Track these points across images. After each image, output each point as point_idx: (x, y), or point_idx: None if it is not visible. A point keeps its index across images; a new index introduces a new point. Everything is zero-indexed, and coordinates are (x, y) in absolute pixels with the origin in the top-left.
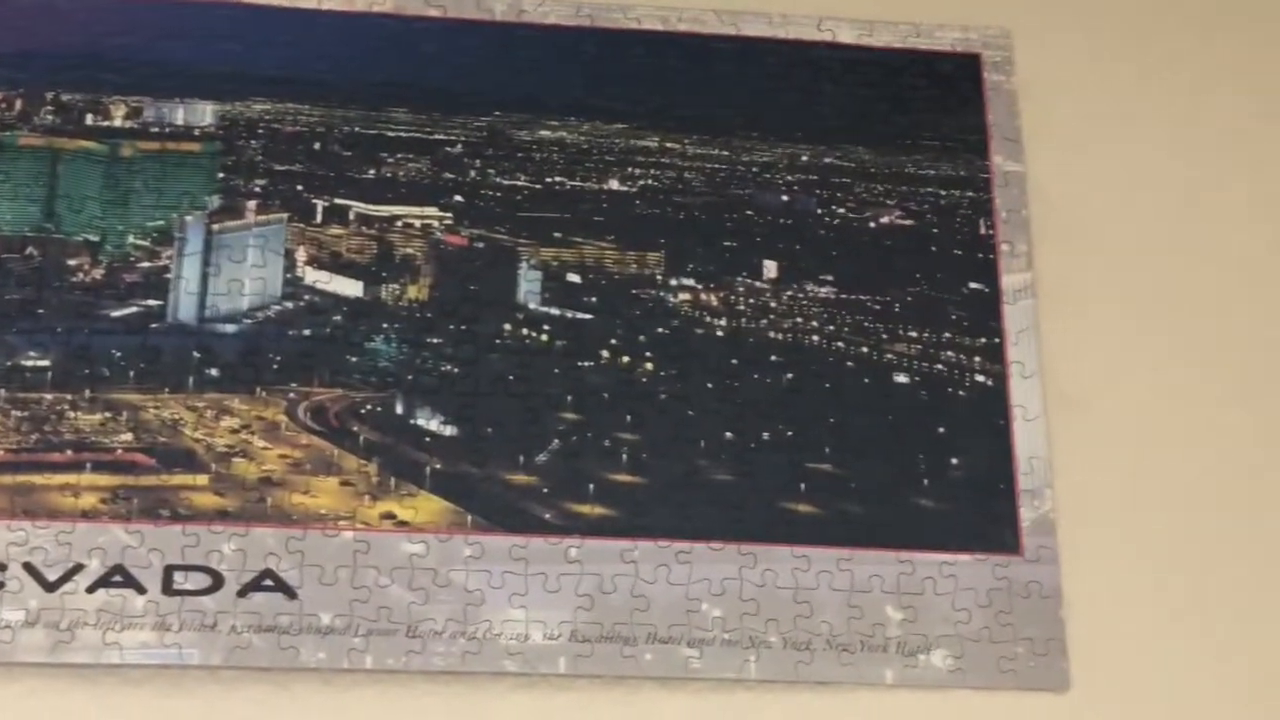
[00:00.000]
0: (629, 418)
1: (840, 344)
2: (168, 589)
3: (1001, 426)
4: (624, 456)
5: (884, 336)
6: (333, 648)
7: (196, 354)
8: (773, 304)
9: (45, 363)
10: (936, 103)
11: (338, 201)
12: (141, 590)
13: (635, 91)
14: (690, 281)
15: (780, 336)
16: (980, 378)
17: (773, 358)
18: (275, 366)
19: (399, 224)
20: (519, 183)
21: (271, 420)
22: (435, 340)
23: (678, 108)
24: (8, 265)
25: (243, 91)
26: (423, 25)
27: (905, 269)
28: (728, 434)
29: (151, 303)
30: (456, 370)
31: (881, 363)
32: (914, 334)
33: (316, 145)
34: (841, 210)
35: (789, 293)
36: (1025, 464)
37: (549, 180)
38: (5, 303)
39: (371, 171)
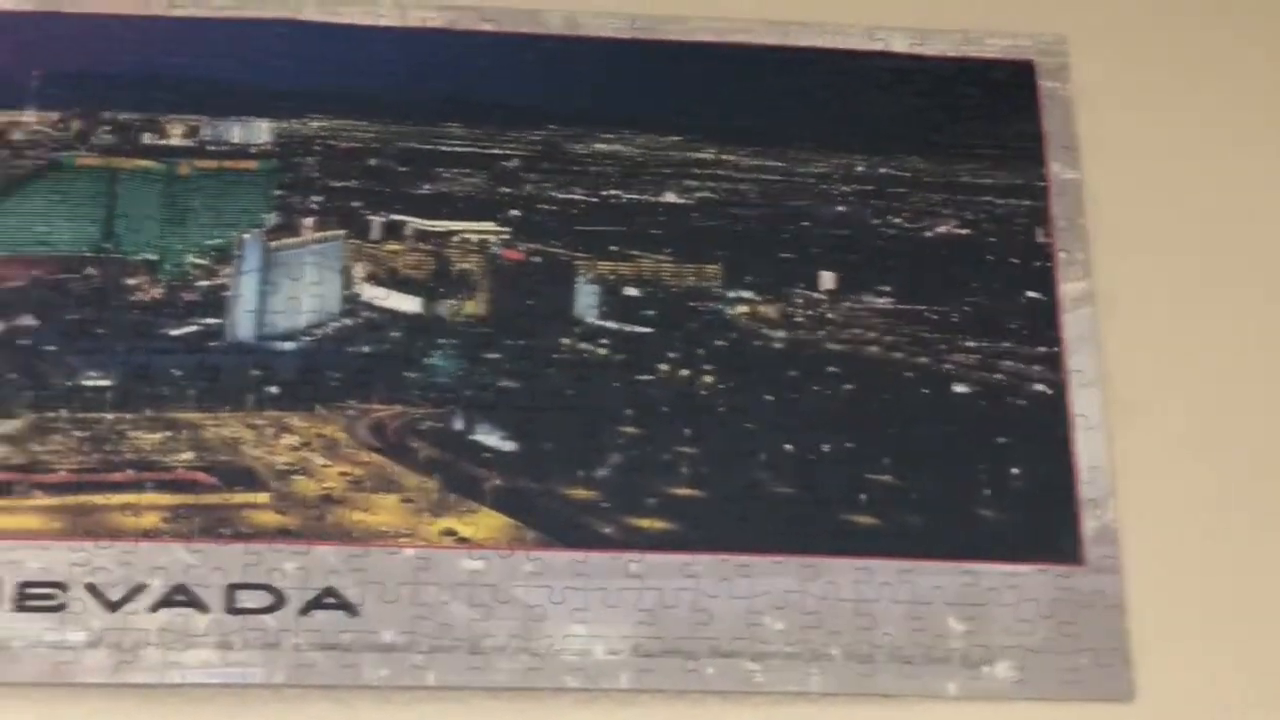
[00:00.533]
0: (688, 431)
1: (898, 354)
2: (230, 608)
3: (1062, 435)
4: (684, 470)
5: (942, 347)
6: (395, 665)
7: (255, 372)
8: (830, 315)
9: (106, 382)
10: (991, 111)
11: (394, 217)
12: (204, 609)
13: (690, 104)
14: (748, 293)
15: (838, 347)
16: (1039, 387)
17: (831, 369)
18: (334, 384)
19: (456, 239)
20: (575, 196)
21: (331, 437)
22: (493, 355)
23: (733, 120)
24: (67, 285)
25: (298, 109)
26: (477, 40)
27: (962, 278)
28: (787, 446)
29: (210, 321)
30: (515, 385)
31: (940, 373)
32: (972, 344)
33: (372, 161)
34: (897, 220)
35: (846, 303)
36: (1086, 473)
37: (605, 193)
38: (65, 323)
39: (427, 187)
